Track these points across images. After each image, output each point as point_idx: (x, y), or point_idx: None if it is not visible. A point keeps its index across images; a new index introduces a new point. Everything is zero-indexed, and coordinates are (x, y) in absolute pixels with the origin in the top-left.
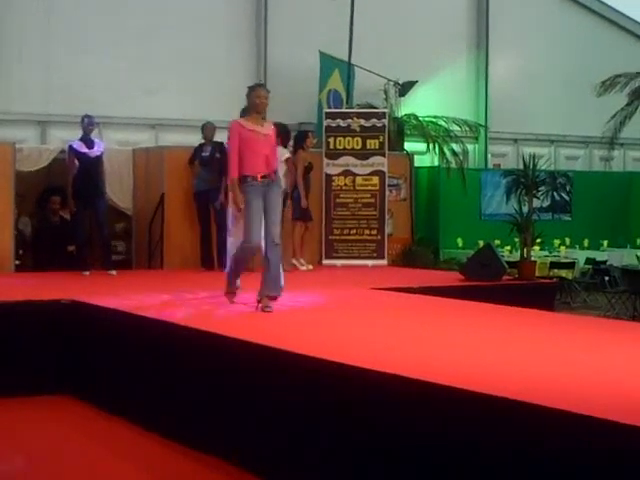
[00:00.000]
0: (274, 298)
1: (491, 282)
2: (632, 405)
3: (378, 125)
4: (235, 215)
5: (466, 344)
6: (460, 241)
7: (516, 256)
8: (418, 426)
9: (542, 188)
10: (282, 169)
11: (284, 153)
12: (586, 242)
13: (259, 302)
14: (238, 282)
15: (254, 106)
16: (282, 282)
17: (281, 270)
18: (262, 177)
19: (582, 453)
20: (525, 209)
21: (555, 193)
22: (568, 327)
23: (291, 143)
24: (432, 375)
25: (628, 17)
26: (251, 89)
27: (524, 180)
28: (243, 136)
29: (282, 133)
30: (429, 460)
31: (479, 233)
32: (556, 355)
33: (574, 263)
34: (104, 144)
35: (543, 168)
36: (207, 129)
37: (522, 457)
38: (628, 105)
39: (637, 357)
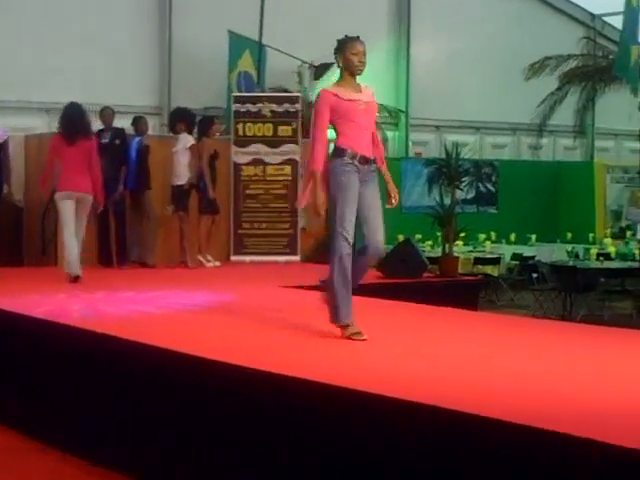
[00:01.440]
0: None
1: (411, 279)
2: (552, 410)
3: (291, 110)
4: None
5: (379, 346)
6: None
7: (438, 251)
8: (328, 429)
9: (466, 179)
10: (186, 158)
11: (188, 140)
12: (513, 236)
13: (340, 326)
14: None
15: (349, 66)
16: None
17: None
18: (364, 160)
19: (504, 457)
20: (448, 201)
21: (480, 184)
22: (491, 327)
23: (196, 129)
24: (338, 379)
25: None
26: (343, 43)
27: (446, 170)
28: (339, 109)
29: (185, 119)
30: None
31: (399, 227)
32: (476, 357)
33: (500, 259)
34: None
35: (467, 157)
36: (106, 115)
37: (440, 460)
38: (558, 89)
39: (562, 360)
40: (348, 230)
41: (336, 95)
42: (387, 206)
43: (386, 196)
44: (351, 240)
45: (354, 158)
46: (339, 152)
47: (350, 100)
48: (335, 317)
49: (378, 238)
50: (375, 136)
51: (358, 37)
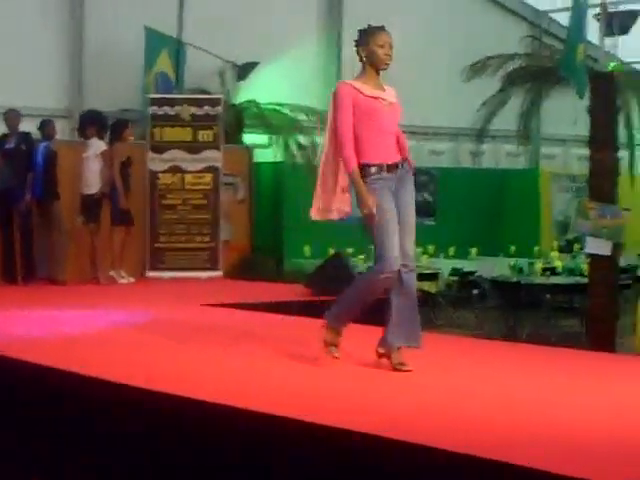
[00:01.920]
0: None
1: None
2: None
3: (212, 113)
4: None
5: (300, 370)
6: (308, 249)
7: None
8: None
9: None
10: (97, 165)
11: (100, 146)
12: (452, 250)
13: (383, 356)
14: (343, 328)
15: (374, 60)
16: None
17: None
18: (393, 166)
19: None
20: None
21: (417, 193)
22: (427, 347)
23: (108, 134)
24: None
25: None
26: (366, 34)
27: None
28: (360, 107)
29: (97, 122)
30: None
31: (330, 239)
32: (407, 381)
33: (438, 274)
34: None
35: None
36: (11, 118)
37: None
38: (501, 91)
39: (498, 383)
40: (389, 260)
41: (358, 90)
42: None
43: None
44: (391, 270)
45: (381, 171)
46: (363, 170)
47: (373, 97)
48: (330, 319)
49: (410, 247)
50: (401, 139)
51: (383, 27)
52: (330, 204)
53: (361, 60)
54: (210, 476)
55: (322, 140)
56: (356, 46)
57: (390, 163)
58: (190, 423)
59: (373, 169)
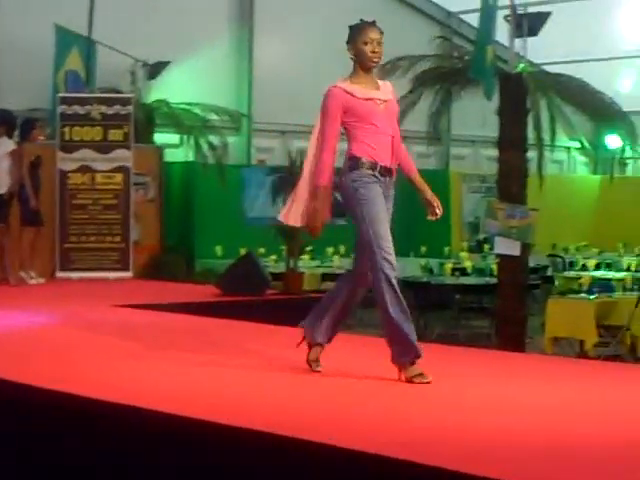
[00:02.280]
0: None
1: (252, 297)
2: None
3: (122, 113)
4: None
5: (209, 371)
6: (219, 249)
7: (282, 267)
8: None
9: None
10: (6, 164)
11: (8, 145)
12: None
13: (402, 370)
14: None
15: (361, 58)
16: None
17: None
18: (385, 171)
19: None
20: None
21: None
22: (337, 348)
23: (17, 133)
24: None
25: None
26: (353, 30)
27: (291, 179)
28: (353, 110)
29: (5, 121)
30: None
31: (241, 240)
32: (316, 383)
33: None
34: None
35: None
36: None
37: None
38: (410, 92)
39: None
40: (388, 250)
41: (350, 93)
42: (431, 218)
43: (427, 208)
44: (394, 260)
45: (374, 169)
46: (355, 163)
47: (366, 99)
48: (403, 354)
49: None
50: (398, 141)
51: (374, 22)
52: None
53: (351, 58)
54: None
55: (308, 143)
56: (347, 44)
57: (383, 165)
58: (96, 424)
59: (365, 163)
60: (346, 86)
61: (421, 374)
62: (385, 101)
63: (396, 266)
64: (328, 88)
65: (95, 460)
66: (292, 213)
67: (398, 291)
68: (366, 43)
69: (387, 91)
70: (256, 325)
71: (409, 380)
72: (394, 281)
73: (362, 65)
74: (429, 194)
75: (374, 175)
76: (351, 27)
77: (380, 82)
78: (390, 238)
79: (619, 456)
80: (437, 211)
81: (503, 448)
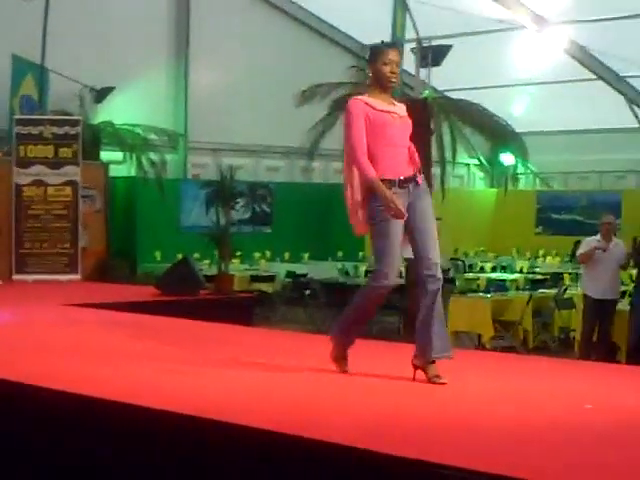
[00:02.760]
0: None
1: (188, 297)
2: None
3: (72, 133)
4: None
5: (143, 361)
6: (159, 254)
7: (214, 270)
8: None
9: (241, 200)
10: None
11: None
12: (287, 255)
13: (419, 368)
14: (352, 340)
15: (380, 77)
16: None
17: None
18: (405, 181)
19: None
20: (224, 221)
21: (255, 205)
22: (263, 341)
23: None
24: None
25: (333, 27)
26: (374, 51)
27: (222, 192)
28: (373, 121)
29: None
30: None
31: (178, 246)
32: (239, 369)
33: (274, 276)
34: None
35: (243, 179)
36: None
37: None
38: (328, 115)
39: (308, 370)
40: (390, 266)
41: (369, 105)
42: None
43: None
44: (394, 276)
45: (393, 186)
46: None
47: (385, 111)
48: (336, 332)
49: (435, 256)
50: (412, 152)
51: (394, 43)
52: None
53: (370, 77)
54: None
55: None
56: (368, 63)
57: (402, 178)
58: (50, 415)
59: (385, 184)
60: (366, 99)
61: (438, 375)
62: (401, 117)
63: (392, 286)
64: (349, 101)
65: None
66: (362, 222)
67: (372, 298)
68: (386, 64)
69: (402, 109)
70: (191, 322)
71: (431, 381)
72: (368, 300)
73: (381, 84)
74: None
75: (396, 191)
76: (372, 48)
77: (395, 102)
78: (395, 260)
79: (531, 435)
80: None
81: (426, 429)
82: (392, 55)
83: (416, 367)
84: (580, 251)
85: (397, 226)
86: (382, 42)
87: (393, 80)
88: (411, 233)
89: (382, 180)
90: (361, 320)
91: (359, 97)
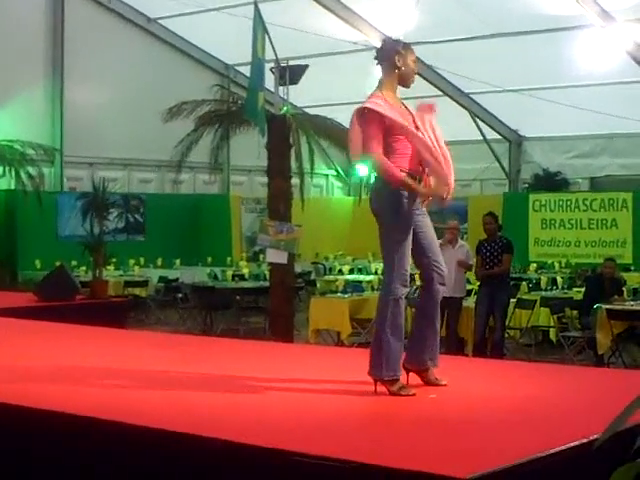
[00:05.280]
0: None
1: (64, 302)
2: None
3: None
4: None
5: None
6: (38, 262)
7: (91, 276)
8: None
9: (114, 210)
10: None
11: None
12: (160, 261)
13: (411, 371)
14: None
15: (407, 74)
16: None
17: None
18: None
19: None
20: (98, 230)
21: (129, 215)
22: (135, 343)
23: None
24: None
25: (197, 47)
26: (407, 47)
27: (96, 202)
28: (391, 123)
29: None
30: None
31: (57, 254)
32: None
33: (148, 281)
34: None
35: (116, 191)
36: None
37: None
38: (194, 131)
39: (199, 370)
40: (405, 271)
41: (389, 104)
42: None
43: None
44: (408, 282)
45: (414, 179)
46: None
47: (402, 114)
48: (380, 369)
49: (442, 264)
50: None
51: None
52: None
53: (392, 69)
54: None
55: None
56: (391, 54)
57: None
58: None
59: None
60: (386, 95)
61: (404, 387)
62: (413, 118)
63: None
64: (369, 100)
65: None
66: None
67: (401, 310)
68: (414, 62)
69: (412, 109)
70: (67, 325)
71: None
72: (401, 301)
73: (404, 79)
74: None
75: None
76: (402, 42)
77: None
78: (409, 258)
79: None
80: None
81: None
82: (414, 55)
83: (410, 371)
84: None
85: (410, 231)
86: (402, 41)
87: (413, 81)
88: (419, 243)
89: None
90: (402, 330)
91: (379, 93)
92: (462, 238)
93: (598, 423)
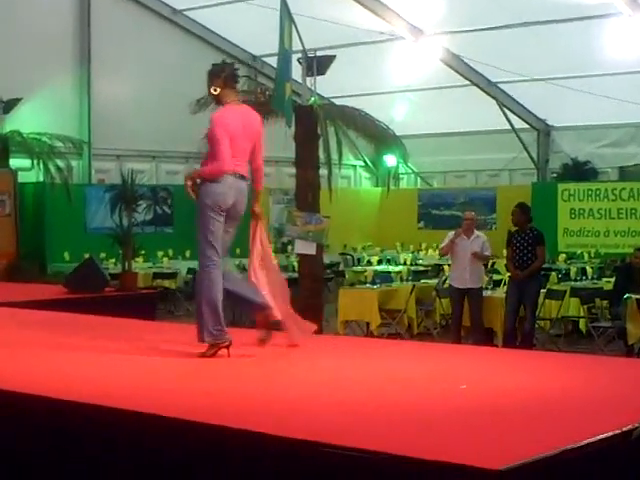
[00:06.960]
0: None
1: (93, 294)
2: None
3: None
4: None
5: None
6: (67, 255)
7: (120, 268)
8: None
9: (142, 202)
10: None
11: None
12: (188, 252)
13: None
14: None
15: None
16: None
17: None
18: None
19: None
20: (127, 222)
21: (157, 207)
22: (166, 335)
23: None
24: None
25: (224, 38)
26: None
27: (124, 195)
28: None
29: None
30: None
31: (85, 246)
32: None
33: (176, 273)
34: None
35: (144, 183)
36: None
37: None
38: None
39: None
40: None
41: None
42: None
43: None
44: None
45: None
46: None
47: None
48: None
49: None
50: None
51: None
52: None
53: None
54: None
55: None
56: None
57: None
58: None
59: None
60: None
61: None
62: None
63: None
64: None
65: None
66: None
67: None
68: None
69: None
70: (97, 317)
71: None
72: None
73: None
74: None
75: None
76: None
77: None
78: None
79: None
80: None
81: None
82: None
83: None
84: (441, 245)
85: None
86: None
87: None
88: None
89: None
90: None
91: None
92: (491, 228)
93: (630, 413)
